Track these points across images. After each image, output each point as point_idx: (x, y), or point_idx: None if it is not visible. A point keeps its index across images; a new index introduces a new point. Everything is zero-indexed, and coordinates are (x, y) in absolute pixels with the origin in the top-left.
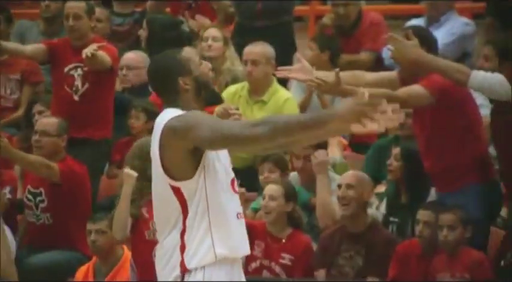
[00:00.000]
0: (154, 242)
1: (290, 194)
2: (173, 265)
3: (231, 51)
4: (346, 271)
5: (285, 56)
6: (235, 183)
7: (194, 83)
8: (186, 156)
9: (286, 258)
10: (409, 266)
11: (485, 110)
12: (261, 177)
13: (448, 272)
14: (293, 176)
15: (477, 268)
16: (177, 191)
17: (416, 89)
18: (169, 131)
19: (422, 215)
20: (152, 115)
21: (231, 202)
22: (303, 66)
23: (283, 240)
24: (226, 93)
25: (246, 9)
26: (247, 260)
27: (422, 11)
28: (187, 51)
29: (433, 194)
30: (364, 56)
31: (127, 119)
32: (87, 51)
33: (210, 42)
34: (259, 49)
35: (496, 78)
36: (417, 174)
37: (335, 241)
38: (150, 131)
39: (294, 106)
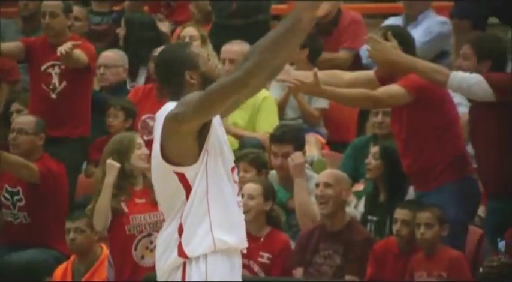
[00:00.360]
0: (134, 236)
1: (269, 193)
2: (171, 248)
3: (209, 49)
4: (324, 270)
5: None
6: (235, 172)
7: (200, 78)
8: (190, 141)
9: (264, 257)
10: (387, 264)
11: (463, 109)
12: None
13: (425, 270)
14: (272, 174)
15: (455, 267)
16: (181, 177)
17: (395, 88)
18: (171, 119)
19: (400, 213)
20: (130, 113)
21: (230, 189)
22: None
23: (262, 239)
24: None
25: (222, 9)
26: None
27: (400, 10)
28: (196, 47)
29: (411, 193)
30: (342, 54)
31: (105, 118)
32: (61, 49)
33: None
34: (237, 48)
35: (475, 79)
36: (396, 173)
37: (313, 240)
38: (128, 130)
39: (273, 104)
